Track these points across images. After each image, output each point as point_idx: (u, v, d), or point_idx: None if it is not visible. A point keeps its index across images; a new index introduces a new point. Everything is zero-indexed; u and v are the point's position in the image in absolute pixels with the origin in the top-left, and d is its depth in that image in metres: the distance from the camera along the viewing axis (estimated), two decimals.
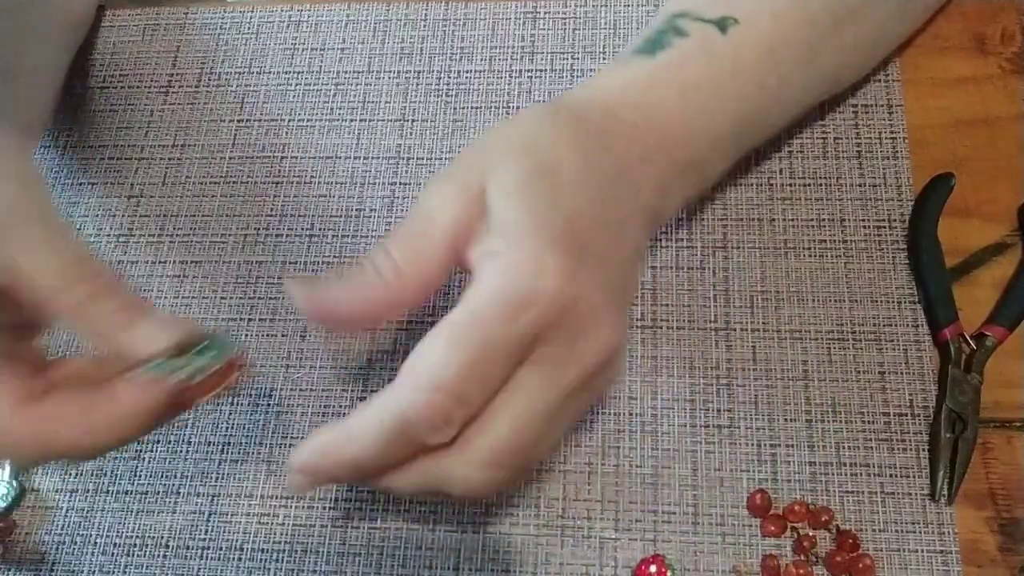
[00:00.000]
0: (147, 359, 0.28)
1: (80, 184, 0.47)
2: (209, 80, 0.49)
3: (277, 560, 0.38)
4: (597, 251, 0.29)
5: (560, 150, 0.30)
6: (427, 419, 0.27)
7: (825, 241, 0.41)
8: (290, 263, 0.43)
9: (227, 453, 0.40)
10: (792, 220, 0.42)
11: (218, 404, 0.41)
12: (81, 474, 0.40)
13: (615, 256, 0.30)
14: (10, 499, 0.39)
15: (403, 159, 0.45)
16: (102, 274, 0.29)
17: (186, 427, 0.40)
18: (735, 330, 0.40)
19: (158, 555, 0.38)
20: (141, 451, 0.40)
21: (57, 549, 0.39)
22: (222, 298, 0.43)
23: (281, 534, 0.38)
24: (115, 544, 0.38)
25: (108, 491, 0.39)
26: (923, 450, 0.37)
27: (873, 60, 0.42)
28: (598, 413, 0.39)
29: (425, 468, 0.29)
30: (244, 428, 0.40)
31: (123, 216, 0.46)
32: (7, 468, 0.40)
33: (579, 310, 0.28)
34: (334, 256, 0.43)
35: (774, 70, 0.36)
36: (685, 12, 0.36)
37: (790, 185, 0.43)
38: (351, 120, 0.47)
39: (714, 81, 0.35)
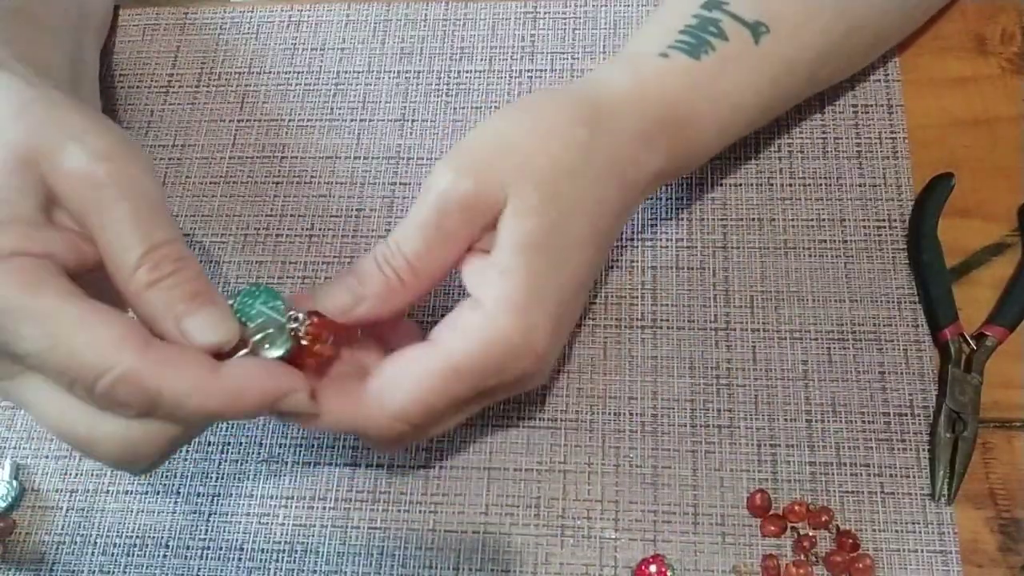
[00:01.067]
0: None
1: None
2: (209, 80, 0.49)
3: (277, 560, 0.38)
4: (572, 309, 0.34)
5: (581, 191, 0.32)
6: (382, 438, 0.32)
7: (825, 241, 0.41)
8: (290, 263, 0.43)
9: (227, 453, 0.40)
10: (792, 220, 0.42)
11: None
12: (81, 474, 0.40)
13: (579, 304, 0.35)
14: (10, 499, 0.39)
15: (403, 159, 0.45)
16: (164, 263, 0.29)
17: None
18: (735, 330, 0.40)
19: (158, 555, 0.38)
20: None
21: (57, 549, 0.39)
22: None
23: (281, 534, 0.38)
24: (115, 544, 0.38)
25: (108, 491, 0.39)
26: (923, 450, 0.37)
27: (865, 63, 0.43)
28: (598, 413, 0.39)
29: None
30: (244, 428, 0.40)
31: None
32: (7, 468, 0.40)
33: (537, 374, 0.33)
34: (334, 256, 0.43)
35: (786, 83, 0.37)
36: (724, 2, 0.36)
37: (790, 185, 0.43)
38: (351, 120, 0.47)
39: (742, 95, 0.36)
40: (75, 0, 0.44)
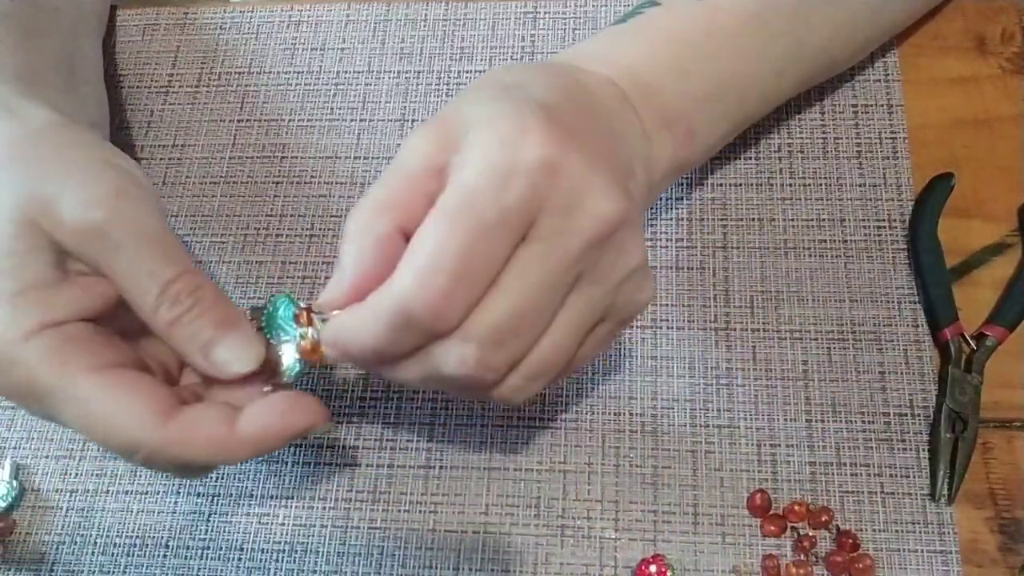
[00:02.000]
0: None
1: None
2: (209, 80, 0.49)
3: (277, 560, 0.38)
4: (582, 130, 0.28)
5: (539, 84, 0.29)
6: (428, 303, 0.25)
7: (825, 241, 0.41)
8: (290, 263, 0.43)
9: None
10: (792, 220, 0.42)
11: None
12: (81, 474, 0.40)
13: (604, 142, 0.29)
14: (10, 499, 0.39)
15: None
16: (182, 297, 0.30)
17: None
18: (735, 330, 0.40)
19: (158, 555, 0.38)
20: None
21: (57, 549, 0.39)
22: None
23: (281, 534, 0.38)
24: (115, 544, 0.38)
25: (108, 491, 0.39)
26: (923, 450, 0.37)
27: (869, 41, 0.42)
28: (598, 413, 0.39)
29: (427, 357, 0.28)
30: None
31: None
32: (7, 468, 0.40)
33: (570, 173, 0.27)
34: (334, 256, 0.43)
35: (755, 35, 0.36)
36: None
37: (790, 185, 0.43)
38: (351, 120, 0.47)
39: (684, 39, 0.35)
40: (69, 0, 0.44)
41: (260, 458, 0.39)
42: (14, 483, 0.39)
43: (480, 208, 0.26)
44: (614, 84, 0.33)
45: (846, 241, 0.41)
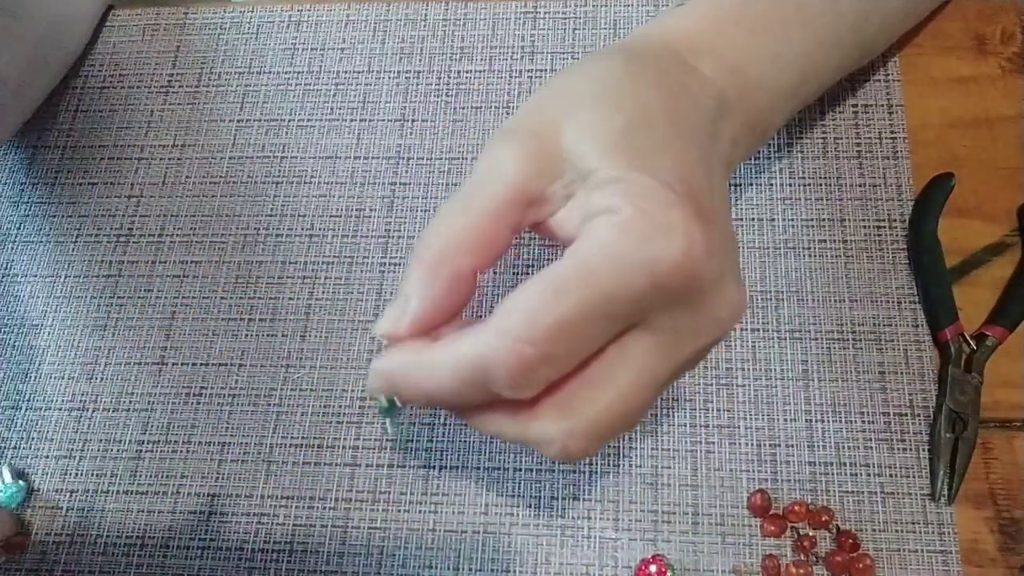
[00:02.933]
0: None
1: (80, 184, 0.47)
2: (209, 80, 0.49)
3: (277, 560, 0.38)
4: (709, 207, 0.26)
5: (649, 100, 0.27)
6: (508, 371, 0.24)
7: (825, 241, 0.41)
8: (290, 263, 0.43)
9: (227, 453, 0.40)
10: (792, 220, 0.42)
11: (220, 405, 0.41)
12: (81, 474, 0.40)
13: (723, 212, 0.27)
14: (20, 498, 0.39)
15: (403, 159, 0.45)
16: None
17: (186, 427, 0.40)
18: (735, 330, 0.40)
19: (158, 555, 0.38)
20: (141, 451, 0.40)
21: (57, 549, 0.39)
22: (222, 298, 0.43)
23: (281, 534, 0.38)
24: (115, 544, 0.38)
25: (108, 491, 0.39)
26: (923, 450, 0.37)
27: (903, 28, 0.41)
28: None
29: (514, 423, 0.26)
30: (244, 428, 0.40)
31: (123, 216, 0.46)
32: (5, 472, 0.40)
33: (706, 276, 0.24)
34: (334, 256, 0.43)
35: (833, 23, 0.34)
36: None
37: (790, 185, 0.43)
38: (351, 120, 0.47)
39: (781, 25, 0.32)
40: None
41: (260, 458, 0.39)
42: (20, 483, 0.39)
43: (594, 290, 0.24)
44: (719, 91, 0.30)
45: (846, 241, 0.41)
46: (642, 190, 0.24)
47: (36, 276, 0.44)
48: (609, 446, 0.38)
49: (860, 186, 0.42)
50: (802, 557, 0.35)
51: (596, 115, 0.26)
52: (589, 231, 0.24)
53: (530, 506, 0.38)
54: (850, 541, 0.35)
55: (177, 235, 0.45)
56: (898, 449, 0.37)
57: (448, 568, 0.37)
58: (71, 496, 0.40)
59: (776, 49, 0.33)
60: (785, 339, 0.40)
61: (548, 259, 0.42)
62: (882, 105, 0.44)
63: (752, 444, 0.38)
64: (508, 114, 0.46)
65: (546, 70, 0.47)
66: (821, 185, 0.42)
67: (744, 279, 0.41)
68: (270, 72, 0.49)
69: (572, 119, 0.26)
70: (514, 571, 0.36)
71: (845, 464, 0.37)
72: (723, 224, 0.26)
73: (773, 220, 0.42)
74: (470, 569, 0.37)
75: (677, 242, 0.24)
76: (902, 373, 0.38)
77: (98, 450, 0.40)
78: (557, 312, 0.23)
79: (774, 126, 0.34)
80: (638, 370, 0.25)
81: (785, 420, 0.38)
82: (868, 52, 0.40)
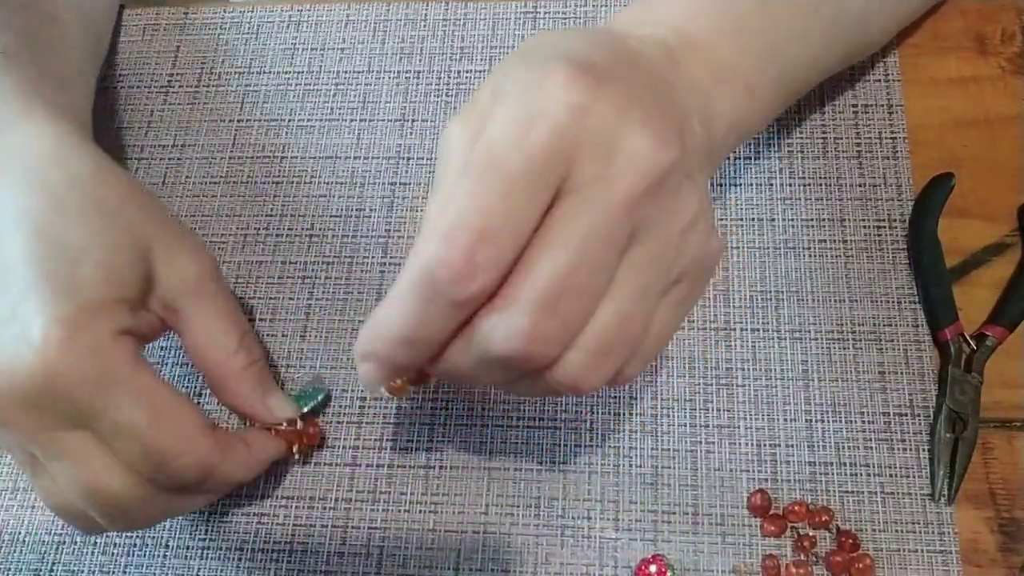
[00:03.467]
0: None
1: None
2: (209, 80, 0.49)
3: (277, 560, 0.38)
4: (619, 77, 0.26)
5: (574, 42, 0.27)
6: (451, 263, 0.23)
7: (825, 241, 0.41)
8: (290, 263, 0.43)
9: None
10: (792, 220, 0.42)
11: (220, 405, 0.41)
12: None
13: (647, 90, 0.26)
14: (317, 401, 0.39)
15: (403, 159, 0.45)
16: (253, 348, 0.36)
17: None
18: (735, 330, 0.40)
19: (158, 555, 0.38)
20: None
21: (57, 549, 0.39)
22: None
23: (281, 534, 0.38)
24: (115, 544, 0.38)
25: None
26: (923, 450, 0.37)
27: (898, 19, 0.41)
28: (598, 413, 0.39)
29: (476, 337, 0.25)
30: (244, 428, 0.40)
31: None
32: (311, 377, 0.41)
33: (602, 114, 0.24)
34: (334, 256, 0.43)
35: None
36: None
37: (790, 185, 0.43)
38: (351, 120, 0.47)
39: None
40: (87, 35, 0.44)
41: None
42: (323, 387, 0.40)
43: (502, 159, 0.24)
44: (662, 43, 0.30)
45: (846, 241, 0.41)
46: (526, 63, 0.26)
47: None
48: (609, 446, 0.38)
49: (860, 186, 0.42)
50: (802, 557, 0.35)
51: (515, 54, 0.28)
52: (491, 115, 0.25)
53: (530, 506, 0.38)
54: (850, 541, 0.35)
55: None
56: (898, 449, 0.37)
57: (448, 568, 0.37)
58: None
59: (730, 14, 0.33)
60: (785, 339, 0.40)
61: None
62: (882, 105, 0.44)
63: (752, 444, 0.38)
64: None
65: None
66: (821, 185, 0.42)
67: (744, 279, 0.41)
68: (270, 72, 0.49)
69: (497, 70, 0.28)
70: (514, 571, 0.36)
71: (845, 464, 0.37)
72: (643, 89, 0.26)
73: (773, 220, 0.42)
74: (470, 569, 0.37)
75: (556, 86, 0.24)
76: (902, 373, 0.38)
77: None
78: (478, 193, 0.24)
79: (768, 92, 0.34)
80: (569, 226, 0.24)
81: (785, 420, 0.38)
82: (856, 34, 0.39)
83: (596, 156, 0.24)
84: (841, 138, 0.43)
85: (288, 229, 0.44)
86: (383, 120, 0.47)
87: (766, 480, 0.37)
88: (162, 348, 0.42)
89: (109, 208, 0.32)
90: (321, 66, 0.48)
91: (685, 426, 0.38)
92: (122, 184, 0.34)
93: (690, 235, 0.27)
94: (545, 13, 0.48)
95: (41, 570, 0.38)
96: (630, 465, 0.38)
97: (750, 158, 0.43)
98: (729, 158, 0.43)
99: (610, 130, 0.24)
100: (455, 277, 0.24)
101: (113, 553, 0.38)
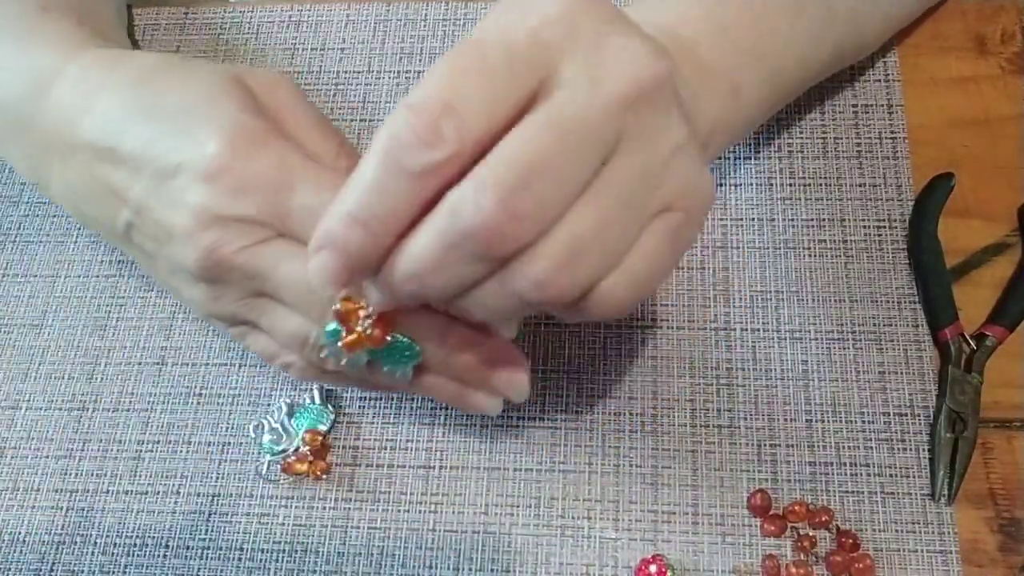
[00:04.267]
0: None
1: None
2: None
3: (277, 560, 0.38)
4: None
5: None
6: (413, 131, 0.23)
7: (825, 241, 0.41)
8: None
9: (227, 453, 0.40)
10: (792, 220, 0.42)
11: (220, 405, 0.41)
12: (81, 474, 0.40)
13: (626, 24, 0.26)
14: (328, 421, 0.39)
15: None
16: (352, 153, 0.35)
17: (186, 427, 0.40)
18: (735, 330, 0.40)
19: (158, 555, 0.38)
20: (141, 451, 0.40)
21: (57, 549, 0.39)
22: None
23: (281, 534, 0.38)
24: (115, 544, 0.38)
25: (108, 491, 0.39)
26: (923, 450, 0.37)
27: (893, 20, 0.41)
28: (598, 413, 0.39)
29: (444, 208, 0.24)
30: (244, 428, 0.40)
31: None
32: (316, 394, 0.40)
33: (597, 20, 0.24)
34: None
35: None
36: None
37: (790, 185, 0.43)
38: (351, 120, 0.47)
39: None
40: None
41: (260, 458, 0.39)
42: (328, 407, 0.40)
43: (483, 40, 0.24)
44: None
45: (846, 241, 0.41)
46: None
47: (36, 276, 0.44)
48: (609, 446, 0.38)
49: (860, 186, 0.42)
50: (802, 557, 0.35)
51: None
52: None
53: (530, 506, 0.38)
54: (850, 541, 0.35)
55: None
56: (898, 449, 0.37)
57: (448, 568, 0.37)
58: (71, 496, 0.39)
59: (714, 13, 0.33)
60: (785, 339, 0.40)
61: None
62: (882, 105, 0.44)
63: (752, 444, 0.38)
64: None
65: None
66: (821, 185, 0.42)
67: (744, 279, 0.41)
68: None
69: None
70: (514, 571, 0.36)
71: (845, 464, 0.37)
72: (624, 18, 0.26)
73: (773, 220, 0.42)
74: (470, 569, 0.37)
75: None
76: (902, 373, 0.38)
77: (98, 450, 0.40)
78: (446, 68, 0.23)
79: (755, 91, 0.34)
80: (553, 113, 0.24)
81: (785, 420, 0.38)
82: (846, 35, 0.39)
83: (587, 56, 0.24)
84: (841, 138, 0.43)
85: None
86: (383, 120, 0.46)
87: (766, 480, 0.37)
88: (162, 348, 0.42)
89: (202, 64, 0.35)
90: (321, 66, 0.48)
91: (685, 426, 0.38)
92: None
93: (679, 159, 0.26)
94: None
95: (41, 570, 0.38)
96: (630, 465, 0.38)
97: (750, 158, 0.43)
98: (729, 158, 0.43)
99: (604, 34, 0.24)
100: (416, 142, 0.23)
101: (113, 553, 0.38)
